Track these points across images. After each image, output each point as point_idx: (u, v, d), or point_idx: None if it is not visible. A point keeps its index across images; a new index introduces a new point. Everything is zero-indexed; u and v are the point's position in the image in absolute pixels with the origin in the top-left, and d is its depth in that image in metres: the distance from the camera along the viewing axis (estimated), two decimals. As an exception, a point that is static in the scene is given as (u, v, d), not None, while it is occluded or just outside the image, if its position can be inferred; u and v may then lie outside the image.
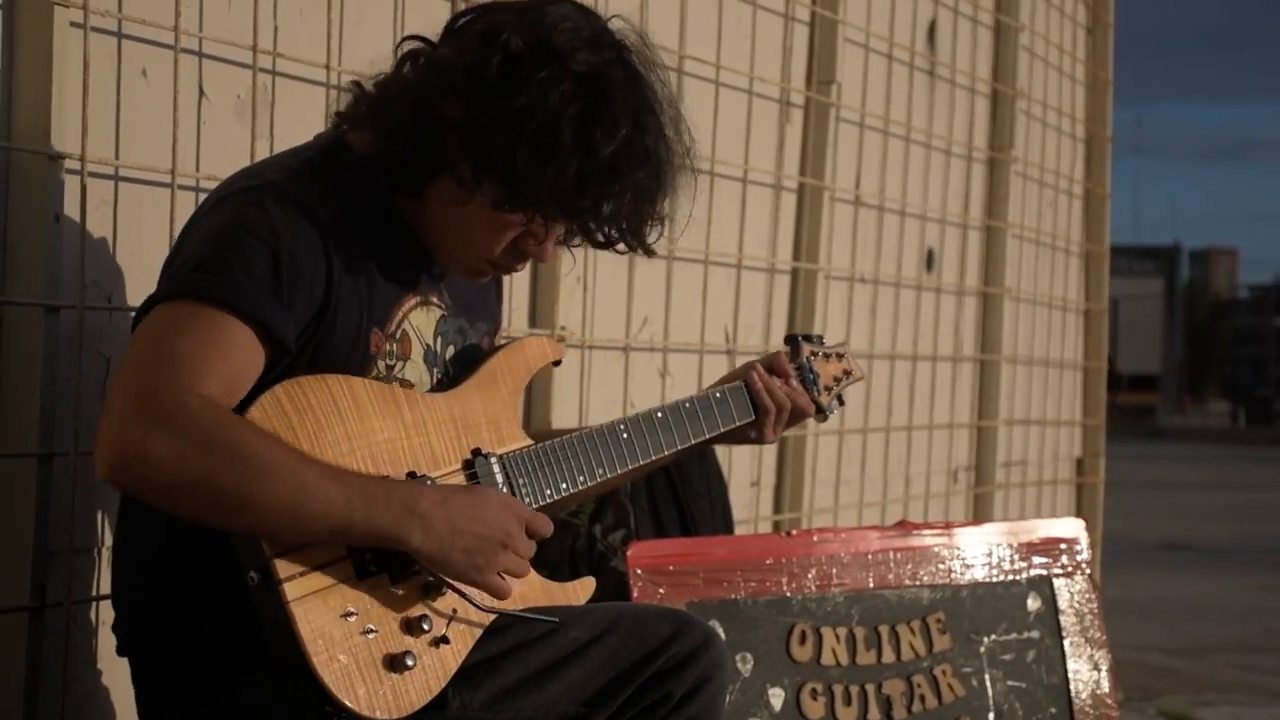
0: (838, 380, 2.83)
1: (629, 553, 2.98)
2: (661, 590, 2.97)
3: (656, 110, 2.23)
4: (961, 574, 3.28)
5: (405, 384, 2.26)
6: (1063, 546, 3.39)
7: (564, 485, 2.37)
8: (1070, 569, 3.37)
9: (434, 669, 2.13)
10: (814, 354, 2.81)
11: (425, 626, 2.13)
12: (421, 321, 2.31)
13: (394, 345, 2.26)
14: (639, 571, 2.96)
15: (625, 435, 2.48)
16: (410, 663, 2.08)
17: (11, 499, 2.48)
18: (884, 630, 3.19)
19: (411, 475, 2.17)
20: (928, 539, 3.28)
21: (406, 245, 2.29)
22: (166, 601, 2.21)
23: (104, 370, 2.62)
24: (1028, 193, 6.25)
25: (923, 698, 3.19)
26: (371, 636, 2.08)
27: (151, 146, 2.71)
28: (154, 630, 2.24)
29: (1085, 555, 3.39)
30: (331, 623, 2.04)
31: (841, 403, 2.82)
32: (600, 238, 2.29)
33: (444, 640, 2.15)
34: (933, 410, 5.53)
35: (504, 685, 2.23)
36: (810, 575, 3.13)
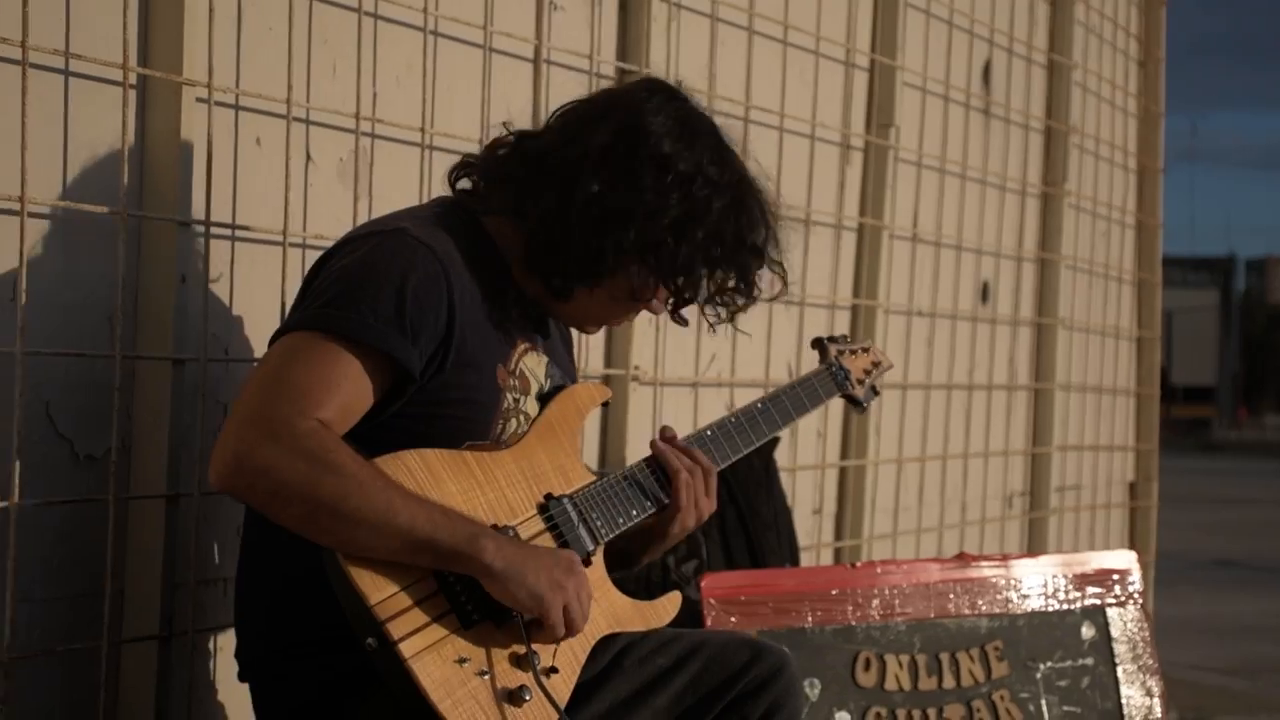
0: (868, 372, 3.01)
1: (703, 583, 3.18)
2: (733, 619, 3.17)
3: (766, 205, 2.57)
4: (1019, 604, 3.47)
5: (524, 415, 2.50)
6: (1115, 577, 3.57)
7: (634, 512, 2.56)
8: (1123, 599, 3.55)
9: (541, 697, 2.32)
10: (840, 352, 2.99)
11: (534, 660, 2.32)
12: (533, 364, 2.53)
13: (515, 381, 2.47)
14: (712, 601, 3.16)
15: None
16: (527, 695, 2.28)
17: (144, 537, 2.70)
18: (944, 657, 3.38)
19: (494, 528, 2.36)
20: (986, 570, 3.47)
21: (519, 297, 2.52)
22: (285, 631, 2.42)
23: (221, 416, 2.84)
24: (1080, 224, 6.42)
25: (981, 722, 3.38)
26: (487, 677, 2.27)
27: (263, 209, 2.93)
28: (274, 658, 2.44)
29: (1137, 585, 3.57)
30: (449, 671, 2.24)
31: (876, 393, 2.99)
32: (717, 307, 2.60)
33: (553, 670, 2.34)
34: (988, 437, 5.71)
35: (599, 711, 2.43)
36: (874, 605, 3.33)
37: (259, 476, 2.19)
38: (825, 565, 3.53)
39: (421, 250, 2.37)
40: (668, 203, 2.45)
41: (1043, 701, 3.43)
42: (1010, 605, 3.47)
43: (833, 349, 2.99)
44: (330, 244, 2.97)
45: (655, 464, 2.60)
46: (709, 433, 2.71)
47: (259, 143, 2.95)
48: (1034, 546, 5.91)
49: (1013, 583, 3.48)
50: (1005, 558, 3.51)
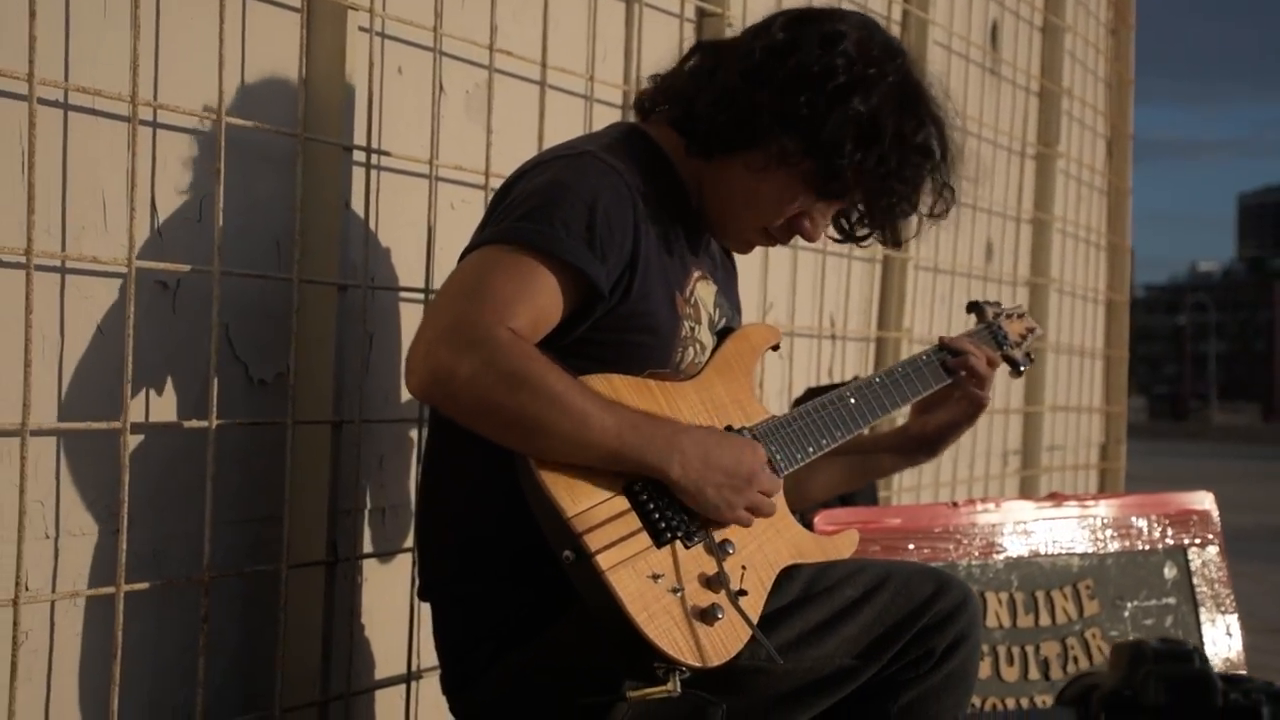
0: (1024, 337, 3.05)
1: (816, 520, 3.21)
2: (843, 556, 3.20)
3: (945, 117, 2.50)
4: (1106, 543, 3.55)
5: (700, 345, 2.51)
6: (1195, 518, 3.66)
7: (810, 448, 2.59)
8: (1203, 539, 3.64)
9: (739, 619, 2.35)
10: (998, 314, 3.04)
11: (726, 580, 2.34)
12: (704, 294, 2.55)
13: (690, 310, 2.49)
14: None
15: (853, 400, 2.71)
16: (719, 614, 2.29)
17: (310, 462, 2.70)
18: (1040, 595, 3.46)
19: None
20: (1075, 510, 3.54)
21: (694, 223, 2.53)
22: (476, 550, 2.42)
23: (369, 347, 2.84)
24: (1068, 188, 6.54)
25: (1075, 659, 3.46)
26: (680, 594, 2.28)
27: (405, 138, 2.92)
28: (464, 577, 2.44)
29: (1217, 526, 3.67)
30: (644, 585, 2.24)
31: (1031, 360, 3.04)
32: (868, 225, 2.57)
33: (742, 593, 2.37)
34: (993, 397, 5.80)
35: (788, 638, 2.46)
36: (976, 542, 3.39)
37: (461, 387, 2.18)
38: (926, 503, 3.58)
39: (610, 173, 2.38)
40: (828, 66, 2.42)
41: (1130, 639, 3.50)
42: (1099, 544, 3.54)
43: (990, 310, 3.02)
44: (472, 176, 3.02)
45: (838, 402, 2.65)
46: (877, 380, 2.75)
47: (400, 71, 2.94)
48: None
49: (1100, 522, 3.56)
50: (1095, 497, 3.59)
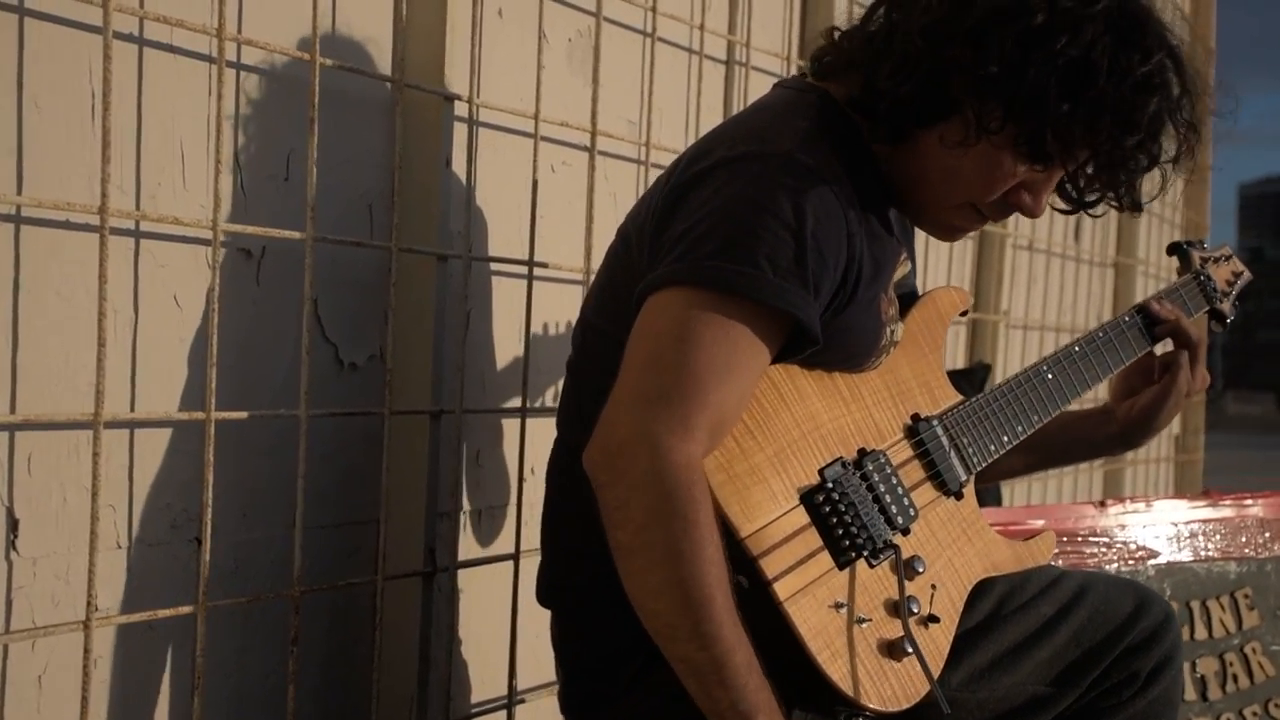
0: (1231, 284, 2.68)
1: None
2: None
3: (1178, 44, 2.11)
4: (1265, 546, 3.20)
5: (895, 343, 2.16)
6: (1352, 519, 3.31)
7: (1005, 438, 2.25)
8: (1364, 543, 3.29)
9: (930, 651, 2.01)
10: (1205, 259, 2.66)
11: (913, 607, 2.00)
12: (900, 277, 2.19)
13: (892, 309, 2.13)
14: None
15: (1050, 376, 2.34)
16: (909, 648, 1.96)
17: (406, 458, 2.35)
18: (1195, 605, 3.11)
19: (862, 452, 2.04)
20: (1231, 510, 3.19)
21: (890, 201, 2.15)
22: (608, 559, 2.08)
23: (464, 326, 2.49)
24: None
25: (1235, 677, 3.11)
26: (866, 626, 1.95)
27: (504, 89, 2.58)
28: (606, 579, 2.08)
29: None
30: (826, 617, 1.91)
31: (1238, 306, 2.68)
32: (1099, 188, 2.17)
33: (933, 619, 2.03)
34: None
35: (979, 664, 2.12)
36: (1124, 547, 3.04)
37: (618, 482, 1.83)
38: (1069, 503, 3.24)
39: (815, 181, 1.96)
40: (1021, 5, 1.99)
41: (1292, 653, 3.16)
42: (1257, 548, 3.19)
43: (1196, 255, 2.64)
44: (577, 135, 2.67)
45: (1033, 379, 2.30)
46: (1076, 348, 2.40)
47: (501, 14, 2.59)
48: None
49: (1256, 523, 3.21)
50: (1253, 495, 3.24)
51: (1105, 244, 5.71)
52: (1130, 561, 3.05)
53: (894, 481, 2.06)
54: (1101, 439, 2.46)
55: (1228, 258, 2.65)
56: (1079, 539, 3.02)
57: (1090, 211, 2.21)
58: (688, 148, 2.08)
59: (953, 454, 2.16)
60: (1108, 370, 2.41)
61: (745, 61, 3.18)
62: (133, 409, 1.97)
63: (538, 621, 2.28)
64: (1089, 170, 2.11)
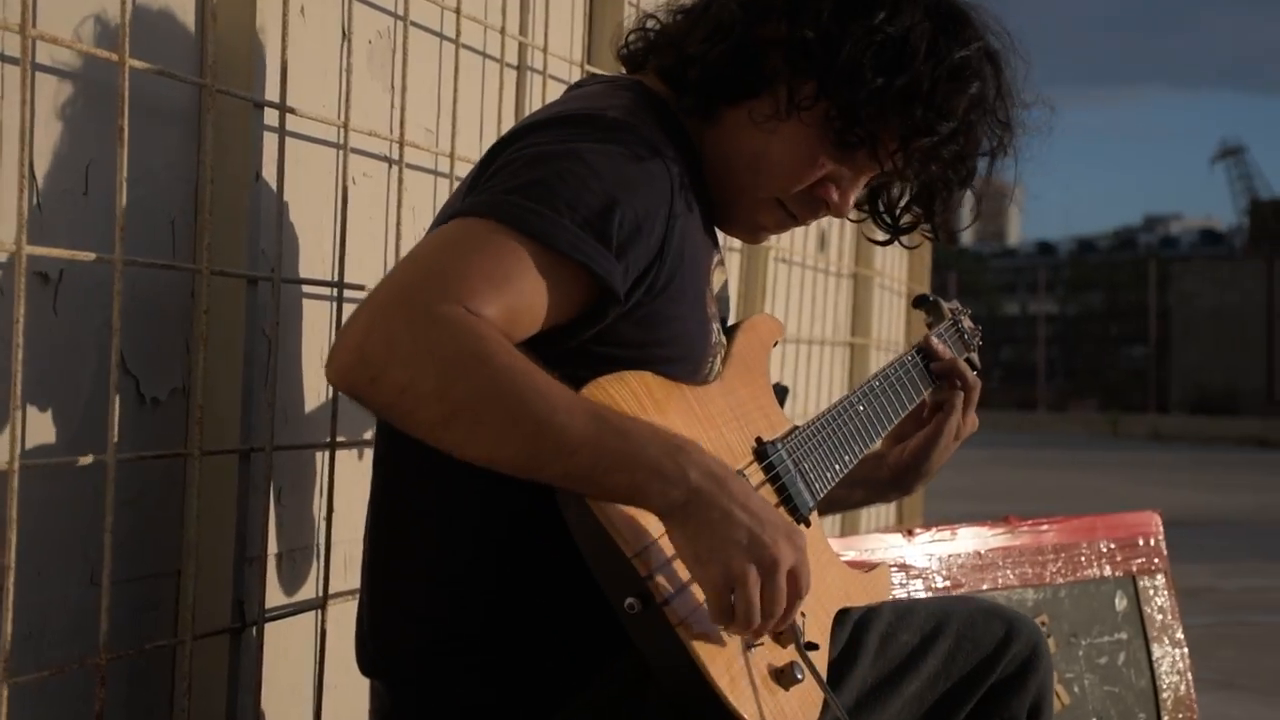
0: (974, 333, 2.66)
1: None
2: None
3: (997, 46, 2.05)
4: (1059, 573, 3.18)
5: (721, 348, 2.04)
6: (1141, 541, 3.31)
7: (838, 465, 2.15)
8: (1151, 565, 3.30)
9: (814, 680, 1.89)
10: (953, 309, 2.63)
11: (798, 632, 1.87)
12: (718, 283, 2.08)
13: (714, 309, 2.02)
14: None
15: (862, 409, 2.27)
16: (799, 675, 1.84)
17: (213, 501, 2.13)
18: (997, 633, 3.06)
19: None
20: (1028, 536, 3.16)
21: (708, 198, 2.04)
22: (470, 609, 1.89)
23: (267, 353, 2.28)
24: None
25: (1035, 703, 3.07)
26: (755, 651, 1.83)
27: (308, 94, 2.37)
28: (452, 646, 1.90)
29: (1163, 549, 3.32)
30: (716, 640, 1.77)
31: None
32: (914, 194, 2.10)
33: (812, 646, 1.90)
34: (816, 396, 5.44)
35: (847, 702, 2.02)
36: (933, 578, 2.98)
37: (388, 368, 1.62)
38: (876, 532, 3.16)
39: (642, 142, 1.86)
40: None
41: (1085, 682, 3.14)
42: (1050, 574, 3.17)
43: (946, 306, 2.60)
44: (382, 146, 2.49)
45: (848, 411, 2.20)
46: (876, 382, 2.32)
47: (303, 12, 2.38)
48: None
49: (1052, 548, 3.19)
50: (1049, 520, 3.21)
51: (843, 256, 5.71)
52: (938, 592, 2.99)
53: None
54: (877, 482, 2.38)
55: (966, 311, 2.62)
56: (892, 570, 2.94)
57: (904, 241, 2.18)
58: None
59: (799, 479, 2.04)
60: (904, 406, 2.35)
61: (544, 69, 3.02)
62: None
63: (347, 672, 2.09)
64: (901, 175, 2.07)
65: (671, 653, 1.74)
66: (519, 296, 1.72)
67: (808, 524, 2.04)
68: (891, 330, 6.64)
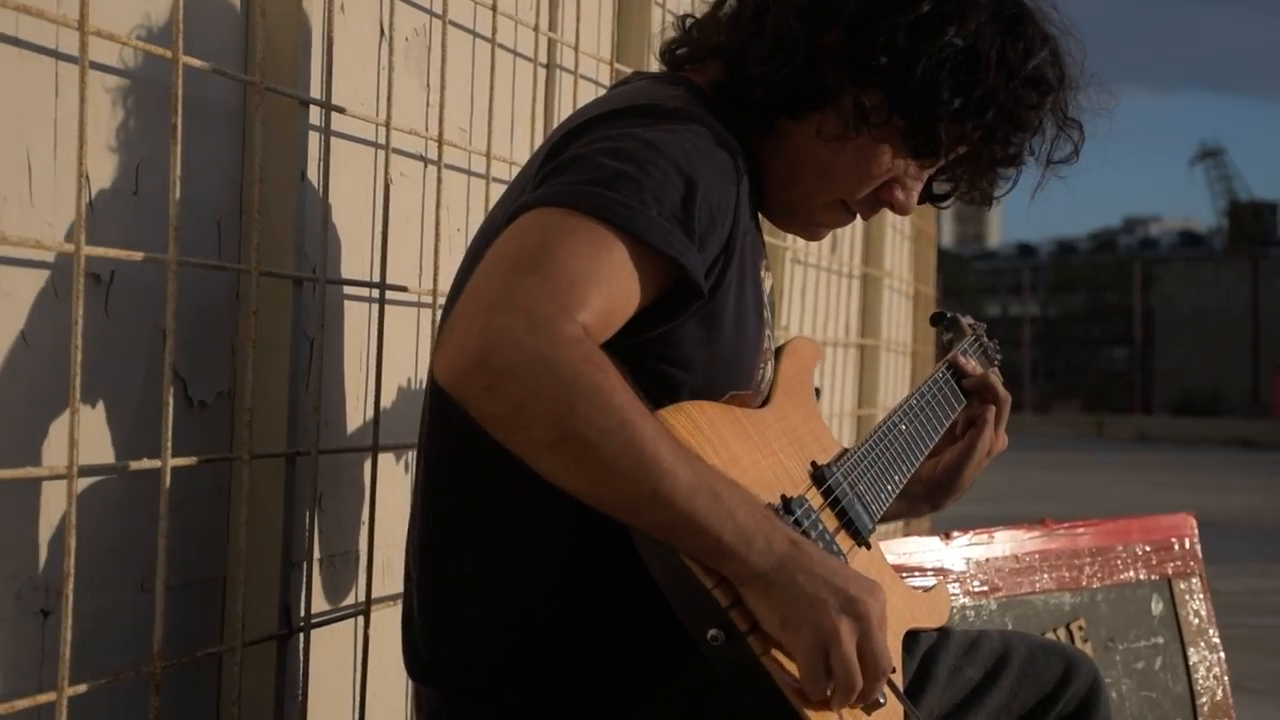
0: (997, 352, 2.63)
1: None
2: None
3: (1059, 39, 2.02)
4: (1095, 576, 3.14)
5: (771, 357, 2.01)
6: (1176, 544, 3.28)
7: (890, 486, 2.12)
8: (1187, 568, 3.26)
9: (896, 705, 1.85)
10: (973, 326, 2.61)
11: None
12: (766, 285, 2.04)
13: (768, 313, 1.98)
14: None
15: (904, 427, 2.24)
16: (881, 700, 1.80)
17: (259, 506, 2.09)
18: (1034, 638, 3.03)
19: (785, 499, 1.87)
20: (1064, 539, 3.13)
21: (759, 196, 2.00)
22: (529, 620, 1.85)
23: (311, 355, 2.24)
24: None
25: (1072, 709, 3.04)
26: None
27: (349, 94, 2.33)
28: (511, 655, 1.86)
29: (1198, 552, 3.29)
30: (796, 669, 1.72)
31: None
32: (968, 182, 2.07)
33: (892, 668, 1.87)
34: (831, 397, 5.41)
35: (917, 733, 1.98)
36: (969, 581, 2.95)
37: (507, 379, 1.57)
38: (913, 537, 3.13)
39: (711, 134, 1.83)
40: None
41: (1123, 687, 3.11)
42: (1088, 578, 3.13)
43: (964, 321, 2.57)
44: (419, 144, 2.45)
45: (892, 431, 2.17)
46: (913, 400, 2.29)
47: (343, 9, 2.34)
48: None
49: (1089, 551, 3.15)
50: (1085, 524, 3.17)
51: (853, 256, 5.68)
52: (974, 596, 2.96)
53: (821, 528, 1.90)
54: (911, 498, 2.34)
55: (982, 326, 2.59)
56: (926, 572, 2.91)
57: (939, 204, 2.16)
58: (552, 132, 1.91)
59: (857, 502, 2.01)
60: (942, 424, 2.34)
61: (574, 68, 2.98)
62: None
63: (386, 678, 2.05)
64: (960, 166, 2.04)
65: (758, 685, 1.69)
66: (616, 297, 1.69)
67: (869, 546, 2.01)
68: (899, 331, 6.61)
